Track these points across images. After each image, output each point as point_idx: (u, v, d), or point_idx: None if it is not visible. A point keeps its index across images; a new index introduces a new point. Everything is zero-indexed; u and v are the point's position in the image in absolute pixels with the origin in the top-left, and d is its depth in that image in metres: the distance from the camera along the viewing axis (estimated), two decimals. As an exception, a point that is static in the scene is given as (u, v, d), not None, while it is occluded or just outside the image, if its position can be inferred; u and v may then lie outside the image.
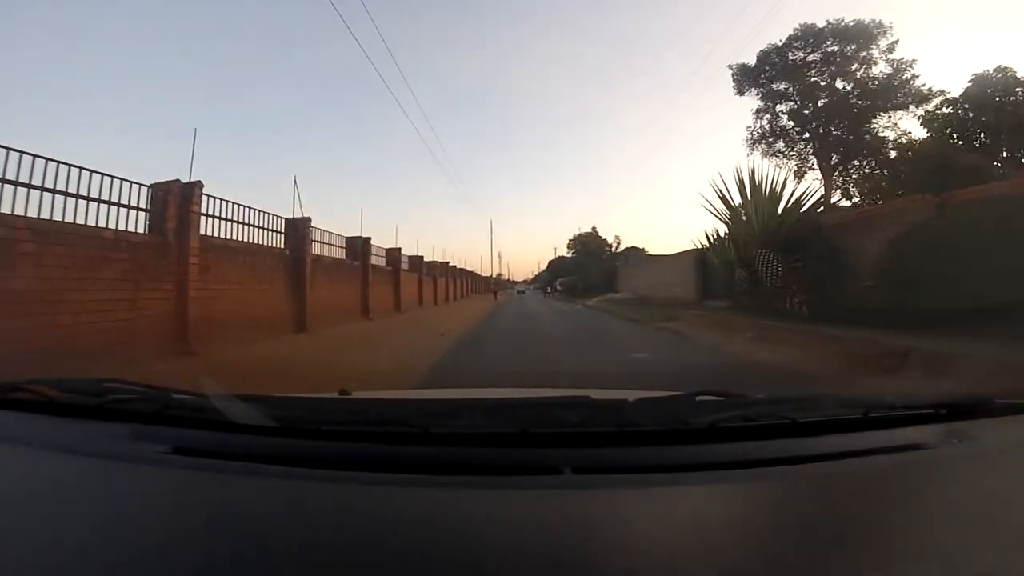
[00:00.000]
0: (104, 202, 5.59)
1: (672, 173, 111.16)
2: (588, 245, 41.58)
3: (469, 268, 44.46)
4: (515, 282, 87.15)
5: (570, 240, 44.37)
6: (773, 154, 18.82)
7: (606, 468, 0.70)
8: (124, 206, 5.87)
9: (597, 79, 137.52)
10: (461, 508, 0.60)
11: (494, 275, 62.98)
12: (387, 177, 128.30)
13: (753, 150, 19.20)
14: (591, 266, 38.00)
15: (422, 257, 20.85)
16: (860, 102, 16.69)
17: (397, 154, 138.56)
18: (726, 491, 0.66)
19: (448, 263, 28.13)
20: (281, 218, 9.46)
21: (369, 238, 13.58)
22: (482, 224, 67.27)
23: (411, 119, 33.21)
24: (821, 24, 16.90)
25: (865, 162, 17.04)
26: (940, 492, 0.70)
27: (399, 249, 16.96)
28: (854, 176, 17.31)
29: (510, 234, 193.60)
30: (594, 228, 43.59)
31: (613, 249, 41.57)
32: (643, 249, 32.43)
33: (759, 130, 19.04)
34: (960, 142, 12.94)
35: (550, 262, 67.12)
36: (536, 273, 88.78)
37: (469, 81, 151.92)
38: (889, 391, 1.00)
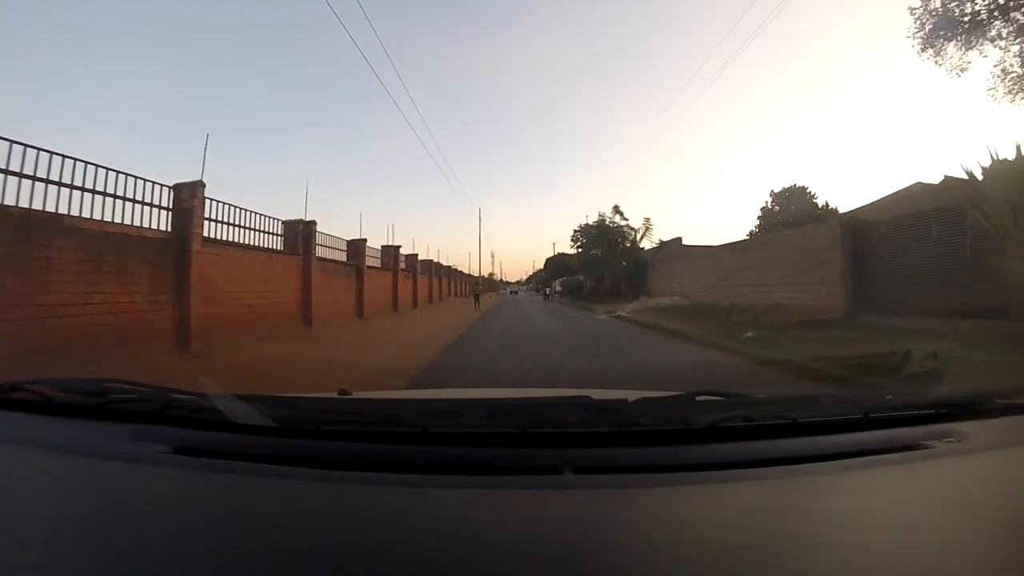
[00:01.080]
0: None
1: (676, 168, 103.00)
2: (606, 233, 28.79)
3: (459, 267, 34.37)
4: (508, 282, 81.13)
5: (575, 231, 30.77)
6: (968, 48, 9.68)
7: (606, 468, 0.71)
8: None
9: (595, 64, 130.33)
10: (461, 508, 0.61)
11: (485, 274, 53.26)
12: (379, 174, 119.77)
13: (927, 48, 9.96)
14: (615, 259, 27.14)
15: (309, 219, 10.54)
16: None
17: (386, 147, 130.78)
18: (726, 491, 0.65)
19: (398, 247, 17.93)
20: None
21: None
22: (473, 223, 57.33)
23: (404, 115, 24.66)
24: None
25: None
26: (940, 492, 0.69)
27: (261, 214, 7.82)
28: None
29: (504, 235, 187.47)
30: (616, 207, 29.08)
31: (640, 236, 27.91)
32: (679, 238, 22.64)
33: (942, 12, 9.82)
34: None
35: (548, 260, 58.90)
36: (531, 273, 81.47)
37: (465, 78, 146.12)
38: (889, 391, 1.00)
